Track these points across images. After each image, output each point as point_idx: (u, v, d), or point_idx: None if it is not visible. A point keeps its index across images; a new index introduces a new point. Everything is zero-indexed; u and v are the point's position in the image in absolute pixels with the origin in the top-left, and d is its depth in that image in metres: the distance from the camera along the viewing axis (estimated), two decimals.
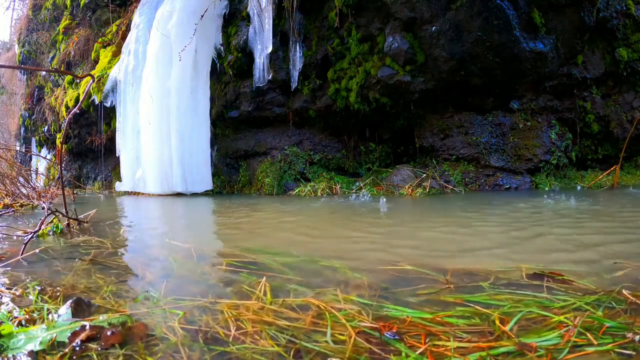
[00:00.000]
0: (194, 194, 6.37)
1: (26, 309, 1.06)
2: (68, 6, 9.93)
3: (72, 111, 2.53)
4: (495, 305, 1.04)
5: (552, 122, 5.41)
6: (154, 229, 2.85)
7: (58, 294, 1.21)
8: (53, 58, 10.39)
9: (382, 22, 4.97)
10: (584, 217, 2.58)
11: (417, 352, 0.80)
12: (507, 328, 0.90)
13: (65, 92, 9.51)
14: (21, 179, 5.24)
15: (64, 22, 10.06)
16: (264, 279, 1.28)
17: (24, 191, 5.00)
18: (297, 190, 5.61)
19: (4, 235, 2.35)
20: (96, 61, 8.60)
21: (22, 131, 13.23)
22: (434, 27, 4.52)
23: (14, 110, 14.69)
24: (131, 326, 0.94)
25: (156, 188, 6.39)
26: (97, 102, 8.05)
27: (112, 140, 8.13)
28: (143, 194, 6.88)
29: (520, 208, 3.14)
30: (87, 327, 0.90)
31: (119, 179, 7.64)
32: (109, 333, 0.88)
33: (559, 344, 0.82)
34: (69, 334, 0.87)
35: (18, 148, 12.28)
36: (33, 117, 12.18)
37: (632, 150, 5.70)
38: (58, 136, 10.26)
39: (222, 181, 6.92)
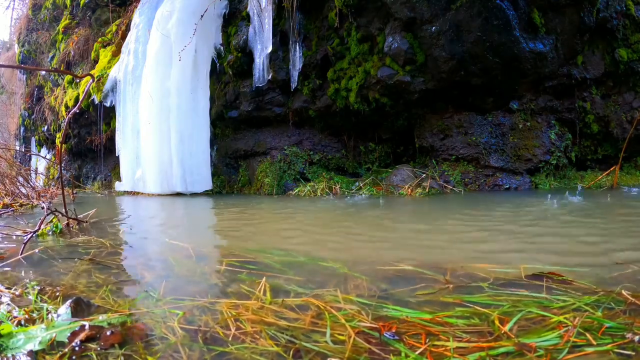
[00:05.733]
0: (194, 194, 6.37)
1: (26, 308, 1.06)
2: (68, 6, 9.93)
3: (72, 111, 2.53)
4: (494, 305, 1.04)
5: (552, 123, 5.41)
6: (153, 228, 2.85)
7: (57, 293, 1.21)
8: (53, 58, 10.38)
9: (382, 22, 4.97)
10: (583, 217, 2.58)
11: (417, 352, 0.80)
12: (506, 328, 0.90)
13: (65, 92, 9.51)
14: (21, 179, 5.23)
15: (63, 22, 10.06)
16: (264, 279, 1.28)
17: (24, 191, 5.00)
18: (296, 191, 5.60)
19: (4, 235, 2.35)
20: (96, 61, 8.59)
21: (21, 131, 13.22)
22: (433, 27, 4.52)
23: (13, 110, 14.68)
24: (131, 326, 0.94)
25: (156, 188, 6.39)
26: (96, 101, 8.05)
27: (111, 140, 8.12)
28: (143, 193, 6.88)
29: (520, 208, 3.14)
30: (87, 327, 0.90)
31: (119, 179, 7.64)
32: (108, 333, 0.88)
33: (559, 344, 0.82)
34: (69, 334, 0.87)
35: (18, 148, 12.27)
36: (33, 116, 12.16)
37: (631, 151, 5.69)
38: (58, 136, 10.25)
39: (222, 181, 6.92)
